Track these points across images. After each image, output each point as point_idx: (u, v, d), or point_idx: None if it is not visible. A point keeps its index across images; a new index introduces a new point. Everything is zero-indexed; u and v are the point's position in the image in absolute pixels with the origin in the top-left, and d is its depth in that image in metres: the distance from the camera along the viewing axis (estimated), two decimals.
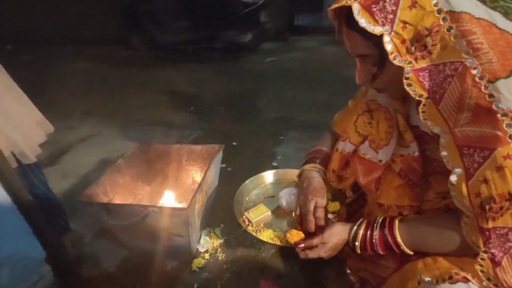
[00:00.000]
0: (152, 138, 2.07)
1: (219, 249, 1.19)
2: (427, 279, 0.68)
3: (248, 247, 1.20)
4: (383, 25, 0.59)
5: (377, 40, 0.61)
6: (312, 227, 0.90)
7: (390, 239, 0.75)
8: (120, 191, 1.19)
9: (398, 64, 0.60)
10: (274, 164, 1.74)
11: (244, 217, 1.00)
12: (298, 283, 1.06)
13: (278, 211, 1.04)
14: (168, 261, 1.16)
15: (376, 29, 0.59)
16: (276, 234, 0.96)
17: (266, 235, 0.95)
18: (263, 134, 2.13)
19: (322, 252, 0.83)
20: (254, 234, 0.96)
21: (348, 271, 1.00)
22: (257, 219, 0.99)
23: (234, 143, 1.99)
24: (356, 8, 0.60)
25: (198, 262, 1.13)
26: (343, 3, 0.62)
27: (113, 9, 4.06)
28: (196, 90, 3.08)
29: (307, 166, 1.01)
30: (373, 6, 0.59)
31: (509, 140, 0.55)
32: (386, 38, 0.59)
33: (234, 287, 1.06)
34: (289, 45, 4.37)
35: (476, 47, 0.55)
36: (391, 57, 0.60)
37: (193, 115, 2.56)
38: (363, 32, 0.61)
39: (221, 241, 1.22)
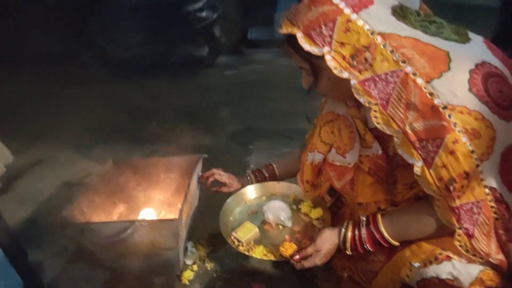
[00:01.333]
0: (118, 156, 1.99)
1: (206, 259, 1.18)
2: (416, 264, 0.75)
3: (236, 254, 1.20)
4: (323, 46, 0.69)
5: (310, 58, 0.73)
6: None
7: (377, 235, 0.81)
8: (97, 211, 1.13)
9: (345, 77, 0.69)
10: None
11: (232, 237, 1.00)
12: (289, 283, 1.08)
13: (264, 226, 1.06)
14: (155, 278, 1.12)
15: (318, 51, 0.69)
16: (268, 250, 0.97)
17: (259, 252, 0.96)
18: (233, 145, 2.15)
19: (318, 260, 0.87)
20: (247, 253, 0.96)
21: (334, 266, 1.06)
22: (247, 238, 0.99)
23: (205, 155, 1.98)
24: (300, 35, 0.71)
25: (187, 275, 1.11)
26: (290, 31, 0.72)
27: (59, 24, 3.82)
28: (157, 105, 3.02)
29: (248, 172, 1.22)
30: (312, 32, 0.70)
31: (454, 128, 0.65)
32: (328, 57, 0.69)
33: None
34: (245, 58, 4.47)
35: (410, 57, 0.66)
36: (335, 71, 0.69)
37: (157, 130, 2.50)
38: (299, 51, 0.72)
39: (207, 251, 1.21)
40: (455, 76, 0.65)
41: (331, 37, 0.68)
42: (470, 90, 0.65)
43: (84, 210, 1.07)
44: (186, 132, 2.48)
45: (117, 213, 1.19)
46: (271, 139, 2.19)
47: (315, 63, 0.74)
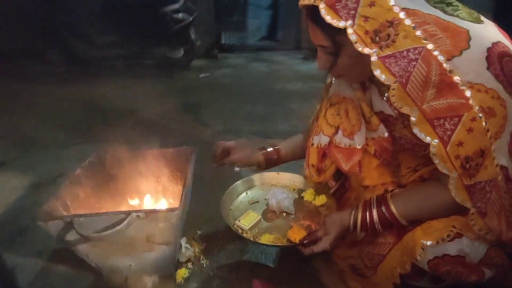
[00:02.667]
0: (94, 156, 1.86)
1: (201, 256, 1.12)
2: (429, 242, 0.76)
3: (232, 250, 1.16)
4: (346, 20, 0.68)
5: (333, 35, 0.72)
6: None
7: (388, 215, 0.81)
8: (82, 205, 1.03)
9: (366, 53, 0.68)
10: (237, 169, 1.72)
11: (235, 226, 0.97)
12: (290, 278, 1.05)
13: (266, 215, 1.04)
14: (147, 277, 1.04)
15: (340, 23, 0.68)
16: (274, 237, 0.95)
17: (265, 239, 0.93)
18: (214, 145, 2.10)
19: (328, 243, 0.86)
20: (252, 239, 0.94)
21: (334, 259, 1.05)
22: (250, 225, 0.96)
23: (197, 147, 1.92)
24: (322, 7, 0.69)
25: (182, 273, 1.04)
26: (312, 2, 0.70)
27: (25, 20, 3.56)
28: (132, 106, 2.88)
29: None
30: (337, 4, 0.68)
31: (472, 104, 0.66)
32: (350, 30, 0.68)
33: None
34: (218, 62, 4.46)
35: (432, 34, 0.67)
36: (356, 46, 0.68)
37: (134, 131, 2.38)
38: (322, 26, 0.71)
39: (202, 247, 1.15)
40: (474, 54, 0.67)
41: (355, 10, 0.67)
42: (488, 68, 0.66)
43: (68, 203, 0.97)
44: (165, 132, 2.40)
45: (104, 208, 1.10)
46: (253, 140, 2.17)
47: (337, 39, 0.73)
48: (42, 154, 1.95)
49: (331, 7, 0.68)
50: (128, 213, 0.87)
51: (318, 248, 0.86)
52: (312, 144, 0.99)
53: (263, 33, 5.45)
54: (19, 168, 1.81)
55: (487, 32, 0.71)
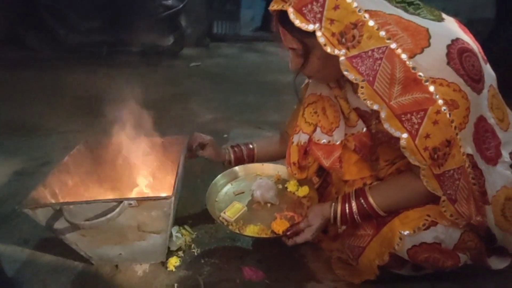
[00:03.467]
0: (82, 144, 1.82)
1: (192, 245, 1.12)
2: (406, 232, 0.79)
3: (222, 238, 1.16)
4: (314, 23, 0.70)
5: (302, 37, 0.74)
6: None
7: (366, 206, 0.84)
8: (70, 193, 1.01)
9: (333, 53, 0.71)
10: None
11: (221, 218, 0.97)
12: (279, 264, 1.07)
13: (252, 205, 1.05)
14: (137, 266, 1.03)
15: (309, 27, 0.70)
16: (259, 228, 0.96)
17: (250, 231, 0.94)
18: (206, 133, 2.08)
19: (310, 235, 0.89)
20: (237, 232, 0.95)
21: (322, 246, 1.08)
22: (236, 217, 0.97)
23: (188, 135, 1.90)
24: (291, 11, 0.71)
25: (174, 261, 1.04)
26: (280, 7, 0.73)
27: (4, 2, 3.41)
28: (118, 94, 2.81)
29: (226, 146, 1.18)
30: (304, 8, 0.71)
31: (435, 99, 0.70)
32: (318, 33, 0.71)
33: (217, 279, 1.01)
34: (210, 51, 4.40)
35: (394, 33, 0.70)
36: (325, 48, 0.71)
37: (121, 119, 2.33)
38: (291, 30, 0.74)
39: (193, 236, 1.15)
40: (435, 51, 0.70)
41: (321, 13, 0.70)
42: (448, 63, 0.70)
43: (56, 191, 0.95)
44: (154, 121, 2.35)
45: (93, 197, 1.08)
46: (244, 129, 2.17)
47: (306, 42, 0.75)
48: (25, 142, 1.90)
49: (299, 12, 0.71)
50: (119, 201, 0.85)
51: (300, 239, 0.88)
52: (292, 143, 1.01)
53: (257, 24, 5.39)
54: (1, 155, 1.75)
55: (447, 30, 0.74)
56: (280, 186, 1.14)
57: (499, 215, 0.79)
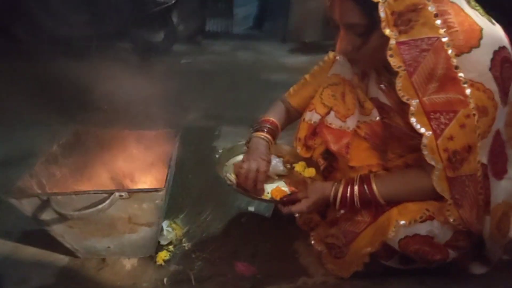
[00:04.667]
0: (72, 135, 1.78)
1: (183, 239, 1.10)
2: (402, 222, 0.79)
3: (214, 233, 1.15)
4: None
5: (371, 10, 0.67)
6: (249, 186, 0.93)
7: (368, 192, 0.83)
8: (58, 185, 0.98)
9: (387, 34, 0.67)
10: (218, 155, 1.71)
11: (226, 177, 0.97)
12: (272, 260, 1.06)
13: None
14: (125, 260, 1.01)
15: None
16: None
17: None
18: (197, 130, 2.07)
19: (305, 206, 0.88)
20: (236, 188, 0.94)
21: (313, 242, 1.08)
22: None
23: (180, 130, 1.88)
24: None
25: (163, 255, 1.02)
26: None
27: None
28: (107, 89, 2.75)
29: (256, 134, 1.04)
30: None
31: (469, 102, 0.69)
32: (381, 7, 0.66)
33: (209, 274, 1.00)
34: (202, 48, 4.35)
35: (450, 25, 0.67)
36: (382, 25, 0.67)
37: (111, 114, 2.28)
38: (358, 0, 0.68)
39: (184, 230, 1.13)
40: (482, 54, 0.68)
41: None
42: (490, 70, 0.69)
43: (44, 182, 0.92)
44: (143, 117, 2.32)
45: (81, 188, 1.05)
46: (236, 126, 2.15)
47: (375, 16, 0.68)
48: (8, 133, 1.84)
49: None
50: (110, 193, 0.83)
51: (296, 208, 0.87)
52: (304, 119, 1.00)
53: (250, 22, 5.37)
54: None
55: (498, 35, 0.73)
56: (289, 166, 1.12)
57: (494, 227, 0.80)
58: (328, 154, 1.05)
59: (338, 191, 0.86)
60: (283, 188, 1.00)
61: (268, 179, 1.07)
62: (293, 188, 1.01)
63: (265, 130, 1.04)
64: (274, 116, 1.08)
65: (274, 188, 0.95)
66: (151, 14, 3.44)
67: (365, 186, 0.84)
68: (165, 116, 2.25)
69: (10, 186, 0.86)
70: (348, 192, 0.85)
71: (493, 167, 0.77)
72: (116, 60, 3.44)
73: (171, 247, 1.06)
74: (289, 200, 0.89)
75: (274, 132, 1.05)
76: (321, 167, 1.08)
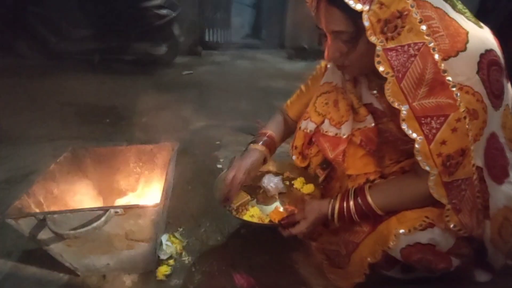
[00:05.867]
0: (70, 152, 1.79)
1: (183, 253, 1.10)
2: (401, 231, 0.77)
3: (214, 245, 1.14)
4: (364, 3, 0.65)
5: (356, 17, 0.67)
6: (223, 192, 0.95)
7: (364, 206, 0.82)
8: (56, 202, 0.99)
9: (373, 41, 0.67)
10: (219, 166, 1.71)
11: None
12: (271, 271, 1.05)
13: (256, 197, 1.07)
14: (125, 276, 1.01)
15: (357, 6, 0.65)
16: (259, 212, 0.98)
17: (250, 213, 0.95)
18: (198, 141, 2.07)
19: (305, 227, 0.88)
20: (236, 215, 0.96)
21: (314, 251, 1.07)
22: (238, 203, 0.97)
23: (178, 143, 1.89)
24: None
25: (163, 270, 1.01)
26: None
27: None
28: (110, 102, 2.80)
29: (250, 146, 1.05)
30: None
31: (458, 106, 0.68)
32: (365, 16, 0.66)
33: (209, 287, 0.99)
34: (202, 59, 4.41)
35: (435, 30, 0.67)
36: (368, 33, 0.66)
37: (112, 127, 2.31)
38: (343, 8, 0.67)
39: (183, 244, 1.13)
40: (468, 57, 0.68)
41: None
42: (477, 73, 0.68)
43: (41, 200, 0.93)
44: (145, 129, 2.34)
45: (79, 205, 1.06)
46: (237, 136, 2.16)
47: (360, 24, 0.68)
48: (12, 150, 1.86)
49: None
50: (105, 209, 0.83)
51: (295, 230, 0.88)
52: (300, 128, 1.00)
53: (247, 31, 5.44)
54: None
55: (485, 38, 0.72)
56: (288, 183, 1.15)
57: (495, 233, 0.79)
58: (327, 164, 1.05)
59: (335, 208, 0.85)
60: (281, 210, 1.00)
61: (269, 199, 1.09)
62: (292, 207, 1.00)
63: (261, 142, 1.04)
64: (272, 129, 1.09)
65: (272, 211, 0.96)
66: (154, 28, 3.49)
67: (359, 200, 0.83)
68: (168, 128, 2.29)
69: (10, 205, 0.87)
70: (345, 208, 0.84)
71: (491, 172, 0.76)
72: (119, 74, 3.51)
73: (171, 261, 1.06)
74: (288, 223, 0.88)
75: (270, 145, 1.06)
76: (321, 178, 1.08)
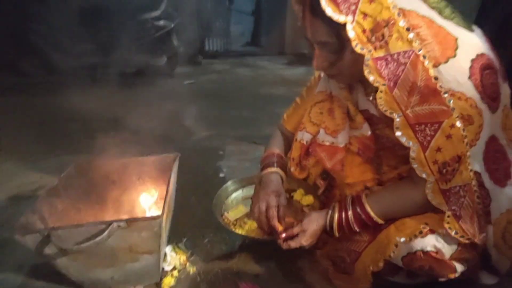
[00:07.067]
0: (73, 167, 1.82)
1: (187, 264, 1.10)
2: (402, 239, 0.77)
3: (218, 255, 1.14)
4: (346, 14, 0.66)
5: (338, 29, 0.68)
6: (264, 227, 0.93)
7: (363, 215, 0.82)
8: (60, 217, 1.00)
9: (359, 51, 0.67)
10: (221, 175, 1.72)
11: (223, 217, 0.97)
12: (276, 279, 1.05)
13: None
14: None
15: (340, 18, 0.66)
16: (255, 229, 0.96)
17: (248, 227, 0.93)
18: (201, 151, 2.09)
19: (304, 240, 0.87)
20: (232, 229, 0.93)
21: (319, 257, 1.06)
22: (237, 217, 0.96)
23: (179, 154, 1.90)
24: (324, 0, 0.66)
25: (168, 282, 1.02)
26: None
27: None
28: (114, 115, 2.82)
29: (265, 172, 1.03)
30: None
31: (452, 112, 0.68)
32: (349, 26, 0.66)
33: None
34: (203, 68, 4.46)
35: (423, 38, 0.68)
36: (353, 43, 0.67)
37: (116, 140, 2.33)
38: (326, 20, 0.67)
39: (187, 254, 1.13)
40: (459, 63, 0.68)
41: (356, 5, 0.65)
42: (469, 78, 0.68)
43: (46, 217, 0.94)
44: (150, 140, 2.35)
45: (84, 220, 1.07)
46: (240, 145, 2.17)
47: (343, 35, 0.68)
48: (20, 166, 1.90)
49: (333, 1, 0.65)
50: (108, 223, 0.84)
51: (294, 244, 0.86)
52: (296, 139, 1.00)
53: (246, 38, 5.49)
54: None
55: (475, 42, 0.72)
56: (287, 195, 1.12)
57: (499, 237, 0.78)
58: (327, 174, 1.05)
59: (334, 219, 0.85)
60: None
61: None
62: (291, 219, 0.99)
63: (275, 164, 1.03)
64: (277, 149, 1.09)
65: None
66: (153, 39, 3.54)
67: (358, 209, 0.83)
68: (170, 139, 2.30)
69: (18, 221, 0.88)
70: (343, 218, 0.84)
71: (493, 175, 0.76)
72: (121, 86, 3.55)
73: (175, 272, 1.06)
74: (287, 236, 0.87)
75: (283, 165, 1.05)
76: (321, 189, 1.08)
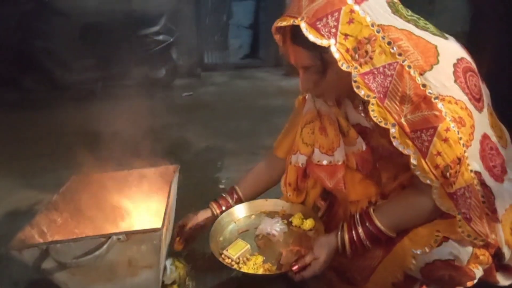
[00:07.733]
0: (72, 180, 1.81)
1: (187, 278, 1.09)
2: (418, 251, 0.77)
3: (218, 269, 1.13)
4: (329, 38, 0.69)
5: (321, 52, 0.71)
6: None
7: (374, 231, 0.81)
8: (60, 231, 0.99)
9: (346, 69, 0.70)
10: (221, 186, 1.72)
11: (223, 255, 0.94)
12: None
13: (256, 242, 1.00)
14: None
15: (324, 42, 0.69)
16: (262, 260, 0.92)
17: (252, 263, 0.91)
18: (200, 163, 2.09)
19: (317, 268, 0.84)
20: (237, 268, 0.90)
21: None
22: (238, 255, 0.93)
23: (179, 166, 1.89)
24: (303, 26, 0.68)
25: None
26: (291, 22, 0.70)
27: None
28: (114, 129, 2.83)
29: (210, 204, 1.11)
30: (318, 23, 0.69)
31: (445, 117, 0.70)
32: (333, 49, 0.69)
33: None
34: (202, 80, 4.49)
35: (405, 50, 0.70)
36: (339, 63, 0.69)
37: (115, 153, 2.33)
38: (308, 46, 0.70)
39: (187, 268, 1.12)
40: (443, 69, 0.71)
41: (336, 28, 0.68)
42: (455, 81, 0.71)
43: (45, 230, 0.94)
44: (150, 152, 2.35)
45: (83, 233, 1.06)
46: (238, 157, 2.17)
47: (325, 57, 0.72)
48: (18, 181, 1.89)
49: (313, 26, 0.68)
50: (108, 236, 0.84)
51: (307, 273, 0.83)
52: (290, 163, 0.99)
53: (245, 51, 5.55)
54: None
55: (453, 48, 0.76)
56: (286, 222, 1.06)
57: (508, 234, 0.78)
58: (327, 194, 1.03)
59: (345, 239, 0.83)
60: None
61: (272, 244, 1.00)
62: (297, 248, 0.95)
63: (220, 200, 1.11)
64: (244, 183, 1.11)
65: (282, 257, 0.90)
66: (152, 53, 3.59)
67: (368, 225, 0.82)
68: (169, 151, 2.31)
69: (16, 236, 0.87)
70: (355, 236, 0.82)
71: (492, 172, 0.77)
72: (121, 99, 3.55)
73: (175, 286, 1.05)
74: (300, 267, 0.84)
75: (226, 203, 1.11)
76: (322, 210, 1.05)
